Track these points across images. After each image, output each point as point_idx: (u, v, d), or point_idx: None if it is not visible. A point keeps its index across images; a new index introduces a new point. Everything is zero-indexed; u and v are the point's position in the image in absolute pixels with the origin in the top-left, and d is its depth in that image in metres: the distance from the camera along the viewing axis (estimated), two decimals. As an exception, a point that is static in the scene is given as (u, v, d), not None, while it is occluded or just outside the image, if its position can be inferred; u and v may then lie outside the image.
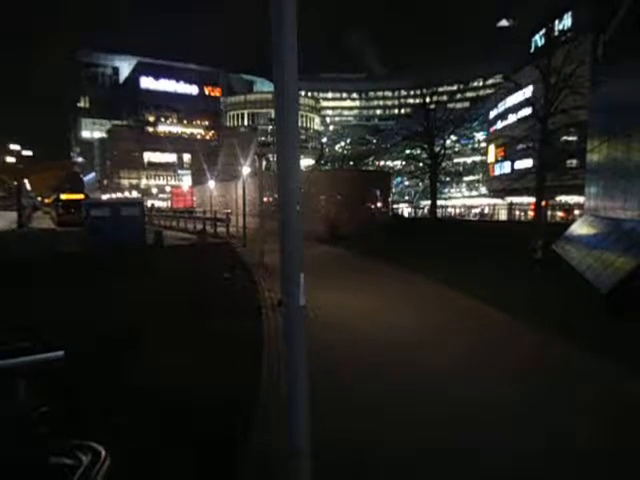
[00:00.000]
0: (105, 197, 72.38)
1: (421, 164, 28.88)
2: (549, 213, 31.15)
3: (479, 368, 5.54)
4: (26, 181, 61.69)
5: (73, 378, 4.31)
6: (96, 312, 8.20)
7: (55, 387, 3.12)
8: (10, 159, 48.30)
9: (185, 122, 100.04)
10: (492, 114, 62.24)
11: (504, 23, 65.00)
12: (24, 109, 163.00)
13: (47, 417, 1.91)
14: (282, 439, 2.18)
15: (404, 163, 60.24)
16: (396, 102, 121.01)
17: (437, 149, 26.40)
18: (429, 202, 32.26)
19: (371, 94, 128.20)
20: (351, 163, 76.10)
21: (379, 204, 26.58)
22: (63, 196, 39.11)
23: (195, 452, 3.68)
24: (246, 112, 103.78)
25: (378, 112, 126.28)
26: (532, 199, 23.40)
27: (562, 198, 42.99)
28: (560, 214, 38.69)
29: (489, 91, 76.96)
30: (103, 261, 14.68)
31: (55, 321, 6.99)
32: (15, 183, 44.51)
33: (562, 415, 4.29)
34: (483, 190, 71.36)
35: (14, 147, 49.87)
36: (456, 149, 47.05)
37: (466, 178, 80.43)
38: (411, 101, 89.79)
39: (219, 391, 4.75)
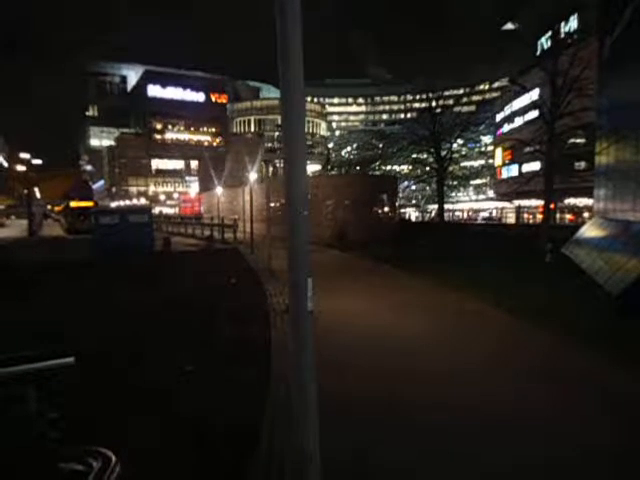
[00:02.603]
0: (114, 204, 72.99)
1: (428, 168, 28.82)
2: (558, 216, 30.90)
3: (501, 366, 5.63)
4: (36, 189, 62.42)
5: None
6: (102, 318, 8.26)
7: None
8: (20, 167, 48.95)
9: (192, 129, 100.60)
10: (498, 117, 61.92)
11: (510, 26, 64.88)
12: (29, 111, 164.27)
13: (57, 423, 1.91)
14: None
15: (411, 167, 60.04)
16: (402, 107, 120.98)
17: (444, 153, 26.30)
18: (436, 206, 32.10)
19: (377, 99, 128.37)
20: (358, 168, 76.00)
21: (386, 209, 26.52)
22: (73, 204, 39.41)
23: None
24: (252, 118, 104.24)
25: (384, 117, 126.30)
26: (540, 202, 23.25)
27: (571, 201, 42.64)
28: (569, 217, 38.38)
29: (495, 94, 76.62)
30: (112, 267, 14.79)
31: (72, 327, 7.06)
32: (26, 191, 45.04)
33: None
34: (490, 193, 70.94)
35: (24, 156, 50.58)
36: (463, 153, 46.69)
37: (473, 182, 79.86)
38: (417, 105, 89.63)
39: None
